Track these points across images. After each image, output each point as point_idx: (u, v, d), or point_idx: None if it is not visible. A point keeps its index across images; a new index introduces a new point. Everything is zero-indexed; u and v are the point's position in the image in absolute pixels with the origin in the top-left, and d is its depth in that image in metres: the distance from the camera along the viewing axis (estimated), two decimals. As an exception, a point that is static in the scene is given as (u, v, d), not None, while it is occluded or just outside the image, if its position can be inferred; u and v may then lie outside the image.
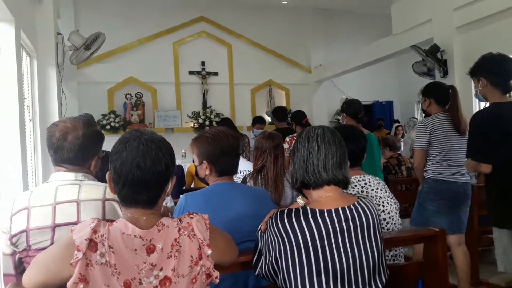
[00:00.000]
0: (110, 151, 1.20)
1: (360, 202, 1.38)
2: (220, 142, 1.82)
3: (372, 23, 8.10)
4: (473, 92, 2.58)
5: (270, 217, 1.39)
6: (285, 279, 1.31)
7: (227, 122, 5.05)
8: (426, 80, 5.14)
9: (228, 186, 1.82)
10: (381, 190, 1.97)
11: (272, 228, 1.34)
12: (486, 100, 2.47)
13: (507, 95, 2.42)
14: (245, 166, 3.41)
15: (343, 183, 1.41)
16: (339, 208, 1.34)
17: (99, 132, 1.62)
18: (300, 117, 4.46)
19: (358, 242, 1.32)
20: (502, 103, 2.36)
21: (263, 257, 1.40)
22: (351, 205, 1.35)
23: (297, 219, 1.31)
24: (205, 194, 1.79)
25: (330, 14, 8.32)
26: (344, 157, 1.42)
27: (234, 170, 1.87)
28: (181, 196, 1.80)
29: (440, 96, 2.98)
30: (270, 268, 1.36)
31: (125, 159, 1.13)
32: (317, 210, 1.32)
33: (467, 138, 2.51)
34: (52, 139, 1.48)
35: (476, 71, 2.46)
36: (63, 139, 1.47)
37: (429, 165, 2.93)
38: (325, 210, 1.33)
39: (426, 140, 2.90)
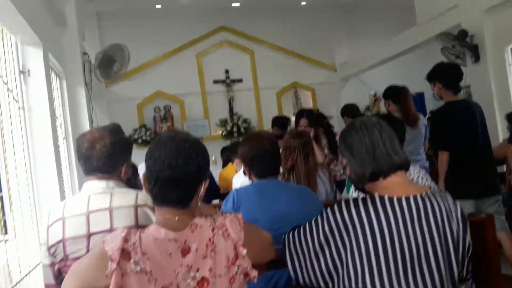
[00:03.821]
0: (139, 162, 1.22)
1: (434, 193, 1.31)
2: (253, 145, 1.88)
3: (394, 14, 7.89)
4: (433, 93, 3.15)
5: (325, 210, 1.32)
6: (349, 275, 1.23)
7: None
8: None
9: (275, 182, 1.87)
10: (421, 178, 1.89)
11: (333, 221, 1.26)
12: (442, 99, 3.05)
13: (458, 94, 3.01)
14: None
15: (407, 165, 1.36)
16: (411, 196, 1.26)
17: (126, 139, 1.63)
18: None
19: (432, 233, 1.24)
20: (454, 102, 2.94)
21: (307, 260, 1.30)
22: (424, 194, 1.28)
23: (365, 208, 1.24)
24: (255, 186, 1.85)
25: (351, 10, 8.18)
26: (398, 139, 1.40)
27: (272, 171, 1.90)
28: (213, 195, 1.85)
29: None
30: (330, 266, 1.26)
31: (158, 158, 1.14)
32: (386, 197, 1.25)
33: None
34: (81, 149, 1.50)
35: (432, 77, 3.05)
36: (91, 148, 1.48)
37: None
38: (394, 198, 1.25)
39: None
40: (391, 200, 1.25)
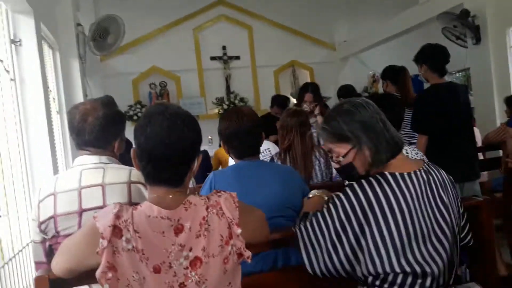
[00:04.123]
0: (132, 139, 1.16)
1: (429, 165, 1.35)
2: (231, 122, 1.75)
3: (396, -7, 7.76)
4: (420, 75, 3.08)
5: (336, 194, 1.29)
6: (373, 259, 1.21)
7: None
8: (458, 48, 4.89)
9: (255, 163, 1.77)
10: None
11: (348, 206, 1.23)
12: (428, 81, 3.02)
13: (444, 77, 2.97)
14: (264, 145, 3.33)
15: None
16: (413, 171, 1.28)
17: (120, 112, 1.58)
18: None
19: (438, 204, 1.28)
20: (439, 84, 2.92)
21: (324, 253, 1.27)
22: (424, 168, 1.31)
23: (380, 187, 1.23)
24: (234, 170, 1.75)
25: (352, -12, 8.03)
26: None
27: (251, 151, 1.78)
28: (208, 174, 1.77)
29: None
30: (349, 254, 1.23)
31: (149, 134, 1.08)
32: (397, 173, 1.26)
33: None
34: (73, 122, 1.45)
35: (419, 58, 3.00)
36: (83, 121, 1.44)
37: None
38: (405, 174, 1.26)
39: None
40: (402, 176, 1.26)
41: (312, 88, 3.63)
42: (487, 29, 4.56)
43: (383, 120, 1.32)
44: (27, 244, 2.37)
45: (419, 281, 1.22)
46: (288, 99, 5.17)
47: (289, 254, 1.67)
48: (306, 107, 3.52)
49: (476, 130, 3.77)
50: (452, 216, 1.30)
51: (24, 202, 2.58)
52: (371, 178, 1.26)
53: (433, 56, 2.94)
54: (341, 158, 1.32)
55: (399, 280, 1.22)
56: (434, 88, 2.95)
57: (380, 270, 1.22)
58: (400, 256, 1.21)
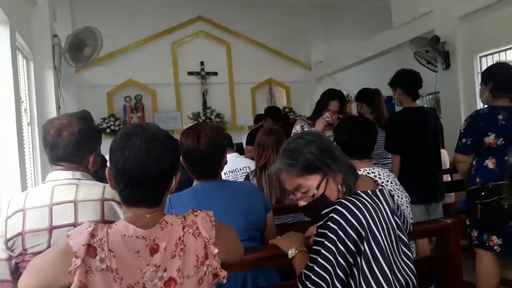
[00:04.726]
0: (107, 153, 1.13)
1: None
2: (188, 139, 1.65)
3: (371, 17, 8.01)
4: (394, 98, 3.24)
5: (323, 222, 1.27)
6: (366, 275, 1.23)
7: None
8: (429, 72, 5.07)
9: (214, 185, 1.69)
10: (391, 182, 1.91)
11: (344, 221, 1.23)
12: (401, 105, 3.17)
13: (416, 102, 3.16)
14: (244, 163, 3.35)
15: None
16: (377, 190, 1.37)
17: (96, 127, 1.56)
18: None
19: (394, 216, 1.35)
20: (411, 108, 3.08)
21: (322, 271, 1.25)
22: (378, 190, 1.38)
23: (362, 204, 1.28)
24: (191, 194, 1.67)
25: (329, 9, 8.24)
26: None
27: (207, 175, 1.69)
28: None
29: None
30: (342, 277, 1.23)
31: (128, 158, 1.05)
32: (368, 191, 1.34)
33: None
34: (47, 137, 1.42)
35: (393, 83, 3.16)
36: (57, 136, 1.41)
37: None
38: (369, 191, 1.34)
39: None
40: (374, 192, 1.35)
41: (339, 96, 3.12)
42: (456, 55, 4.76)
43: (336, 146, 1.41)
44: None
45: None
46: (280, 110, 5.16)
47: (257, 276, 1.66)
48: (327, 116, 3.03)
49: (444, 152, 3.91)
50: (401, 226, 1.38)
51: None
52: (350, 198, 1.28)
53: (406, 81, 3.10)
54: (314, 191, 1.30)
55: None
56: (406, 111, 3.12)
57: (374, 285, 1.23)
58: (385, 271, 1.23)
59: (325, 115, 3.05)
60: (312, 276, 1.24)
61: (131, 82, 7.08)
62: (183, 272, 1.07)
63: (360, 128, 1.86)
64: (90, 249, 1.01)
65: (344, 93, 8.21)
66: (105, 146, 1.72)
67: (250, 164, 3.20)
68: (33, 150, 3.53)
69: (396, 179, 1.97)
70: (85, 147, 1.46)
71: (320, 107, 3.11)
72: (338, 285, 1.22)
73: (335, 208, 1.25)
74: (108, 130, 6.58)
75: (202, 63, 7.52)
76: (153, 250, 1.05)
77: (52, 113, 3.86)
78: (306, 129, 3.13)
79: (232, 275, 1.55)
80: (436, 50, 4.82)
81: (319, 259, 1.24)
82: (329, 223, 1.24)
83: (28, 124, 3.48)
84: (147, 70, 7.11)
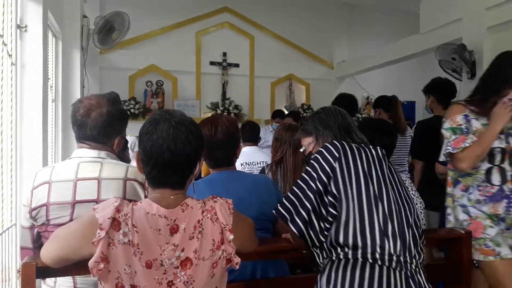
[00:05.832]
0: (128, 135, 1.19)
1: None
2: (204, 129, 1.69)
3: (398, 20, 7.92)
4: (426, 105, 3.32)
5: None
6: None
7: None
8: (453, 80, 4.99)
9: (229, 174, 1.75)
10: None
11: (326, 150, 1.42)
12: (432, 112, 3.22)
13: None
14: (262, 157, 3.39)
15: None
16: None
17: (123, 110, 1.60)
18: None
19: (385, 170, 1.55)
20: (441, 117, 2.99)
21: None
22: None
23: (342, 145, 1.46)
24: (207, 182, 1.72)
25: (355, 9, 8.17)
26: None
27: (223, 164, 1.75)
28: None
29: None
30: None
31: (156, 141, 1.11)
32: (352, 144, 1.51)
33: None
34: (76, 115, 1.47)
35: (429, 90, 3.25)
36: (87, 116, 1.45)
37: None
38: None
39: None
40: (357, 147, 1.50)
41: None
42: (483, 65, 4.67)
43: (349, 121, 1.59)
44: (7, 229, 2.35)
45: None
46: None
47: (268, 267, 1.69)
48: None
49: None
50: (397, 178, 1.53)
51: (9, 186, 2.56)
52: (334, 142, 1.45)
53: (442, 90, 3.16)
54: (305, 148, 1.60)
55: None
56: (435, 119, 3.12)
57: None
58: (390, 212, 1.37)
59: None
60: (283, 200, 1.42)
61: (154, 68, 7.15)
62: (199, 254, 1.11)
63: (381, 131, 1.87)
64: (115, 223, 1.06)
65: (364, 94, 8.23)
66: (129, 129, 1.78)
67: (268, 160, 3.23)
68: (55, 126, 3.62)
69: (412, 184, 1.98)
70: (112, 129, 1.51)
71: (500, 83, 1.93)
72: (302, 211, 1.35)
73: (318, 150, 1.45)
74: (128, 113, 6.66)
75: (224, 54, 7.55)
76: (173, 230, 1.09)
77: (76, 92, 3.95)
78: (472, 120, 2.15)
79: (243, 263, 1.59)
80: (462, 58, 4.75)
81: (293, 187, 1.42)
82: (310, 161, 1.44)
83: (53, 101, 3.57)
84: (170, 57, 7.17)
